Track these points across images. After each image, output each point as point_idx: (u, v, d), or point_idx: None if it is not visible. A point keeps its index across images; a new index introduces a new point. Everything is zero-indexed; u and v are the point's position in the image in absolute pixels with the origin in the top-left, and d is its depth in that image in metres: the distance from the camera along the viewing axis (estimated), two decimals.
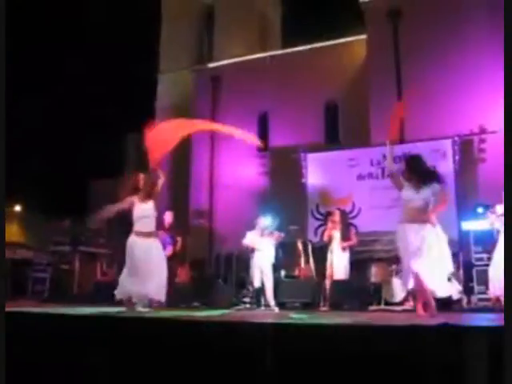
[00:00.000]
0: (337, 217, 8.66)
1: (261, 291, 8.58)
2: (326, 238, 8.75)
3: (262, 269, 8.47)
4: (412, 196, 4.94)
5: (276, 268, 8.82)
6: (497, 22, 10.88)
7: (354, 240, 8.59)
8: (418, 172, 5.02)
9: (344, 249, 8.44)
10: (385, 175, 10.87)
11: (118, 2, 20.64)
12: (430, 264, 4.77)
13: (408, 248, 4.84)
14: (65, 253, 9.92)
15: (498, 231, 7.16)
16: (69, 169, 21.09)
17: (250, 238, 8.74)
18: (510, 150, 2.53)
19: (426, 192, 4.94)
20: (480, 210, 7.96)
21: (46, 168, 20.34)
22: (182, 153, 13.27)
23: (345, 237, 8.49)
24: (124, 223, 5.76)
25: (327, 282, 8.35)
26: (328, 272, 8.41)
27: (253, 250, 8.79)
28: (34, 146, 20.91)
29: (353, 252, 8.69)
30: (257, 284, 8.54)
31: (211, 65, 16.03)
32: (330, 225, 8.72)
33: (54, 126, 21.51)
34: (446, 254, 4.94)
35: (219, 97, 15.29)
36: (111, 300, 6.91)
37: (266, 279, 8.36)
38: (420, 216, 4.88)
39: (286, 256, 9.31)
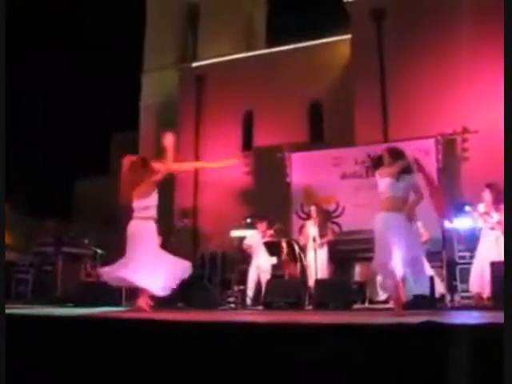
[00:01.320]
0: (314, 213, 8.69)
1: (246, 291, 8.61)
2: (303, 236, 8.78)
3: (263, 269, 8.52)
4: (393, 185, 4.94)
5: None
6: (481, 21, 10.99)
7: (330, 236, 8.62)
8: (400, 162, 5.03)
9: (322, 245, 8.45)
10: (369, 174, 10.93)
11: (102, 1, 20.52)
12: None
13: (387, 238, 4.80)
14: (48, 254, 9.81)
15: (481, 229, 7.25)
16: (52, 169, 20.90)
17: (251, 240, 8.80)
18: (509, 150, 2.55)
19: (405, 182, 4.97)
20: (467, 208, 8.04)
21: (28, 168, 20.14)
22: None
23: (322, 234, 8.50)
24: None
25: (311, 281, 8.37)
26: (308, 270, 8.44)
27: (246, 252, 8.85)
28: (17, 146, 20.68)
29: (337, 250, 8.72)
30: (251, 285, 8.59)
31: (195, 64, 15.97)
32: (307, 222, 8.80)
33: (37, 126, 21.31)
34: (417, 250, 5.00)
35: (203, 96, 15.24)
36: (96, 301, 6.89)
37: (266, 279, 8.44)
38: (400, 206, 4.90)
39: (271, 256, 9.32)
